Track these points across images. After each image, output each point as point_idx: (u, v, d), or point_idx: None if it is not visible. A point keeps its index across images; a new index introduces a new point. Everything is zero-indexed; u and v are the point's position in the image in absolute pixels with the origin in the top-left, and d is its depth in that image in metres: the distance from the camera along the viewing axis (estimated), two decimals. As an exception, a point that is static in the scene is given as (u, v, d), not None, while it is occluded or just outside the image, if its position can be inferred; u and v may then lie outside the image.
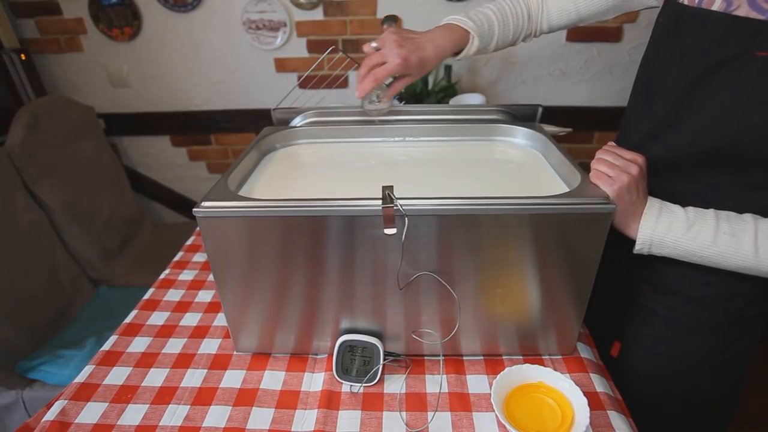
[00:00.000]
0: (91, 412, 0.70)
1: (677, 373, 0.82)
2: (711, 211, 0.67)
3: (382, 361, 0.73)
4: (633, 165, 0.66)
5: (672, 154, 0.73)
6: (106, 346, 0.84)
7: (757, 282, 0.71)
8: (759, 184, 0.67)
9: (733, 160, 0.67)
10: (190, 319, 0.90)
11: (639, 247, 0.69)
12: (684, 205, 0.70)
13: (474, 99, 1.54)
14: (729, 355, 0.80)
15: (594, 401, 0.69)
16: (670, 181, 0.72)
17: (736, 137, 0.65)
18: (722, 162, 0.68)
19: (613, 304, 0.89)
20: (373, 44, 0.83)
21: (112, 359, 0.80)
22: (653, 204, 0.68)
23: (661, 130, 0.74)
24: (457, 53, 0.89)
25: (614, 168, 0.66)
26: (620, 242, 0.87)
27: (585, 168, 0.72)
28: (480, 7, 0.90)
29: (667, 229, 0.66)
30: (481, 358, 0.78)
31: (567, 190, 0.70)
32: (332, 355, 0.74)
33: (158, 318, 0.90)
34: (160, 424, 0.68)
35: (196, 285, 1.00)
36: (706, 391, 0.84)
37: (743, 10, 0.62)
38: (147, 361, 0.80)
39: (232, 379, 0.76)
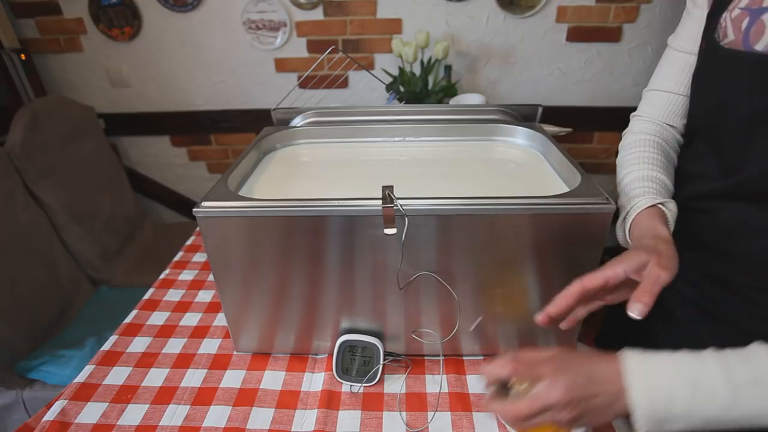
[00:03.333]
0: (91, 412, 0.70)
1: None
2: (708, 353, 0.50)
3: (382, 361, 0.73)
4: (550, 410, 0.50)
5: (739, 192, 0.67)
6: (106, 346, 0.84)
7: None
8: None
9: None
10: (190, 319, 0.90)
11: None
12: (753, 238, 0.65)
13: (474, 99, 1.54)
14: None
15: (594, 401, 0.69)
16: (735, 206, 0.68)
17: None
18: None
19: (660, 320, 0.83)
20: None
21: (112, 359, 0.80)
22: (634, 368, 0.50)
23: (728, 170, 0.68)
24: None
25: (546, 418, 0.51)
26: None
27: (585, 168, 0.72)
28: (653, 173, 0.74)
29: (668, 400, 0.48)
30: (481, 358, 0.78)
31: (567, 190, 0.70)
32: (332, 355, 0.74)
33: (158, 318, 0.90)
34: (160, 424, 0.68)
35: (196, 285, 1.00)
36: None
37: None
38: (147, 361, 0.80)
39: (232, 379, 0.76)
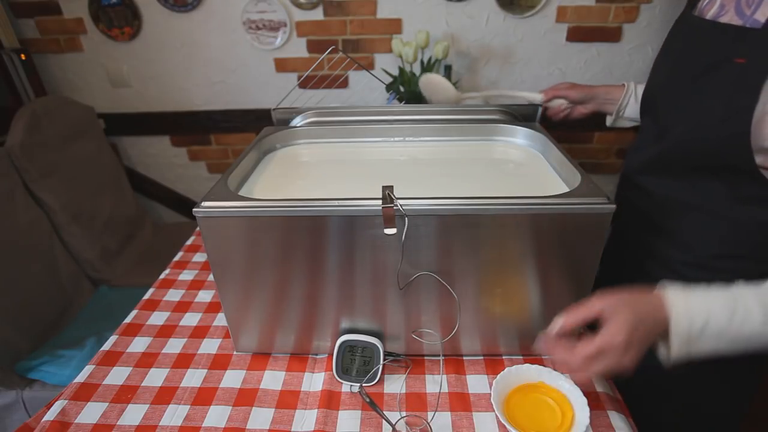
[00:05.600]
0: (91, 412, 0.70)
1: (673, 382, 0.81)
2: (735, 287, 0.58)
3: (382, 361, 0.73)
4: (592, 359, 0.56)
5: (666, 158, 0.73)
6: (106, 346, 0.84)
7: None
8: (751, 197, 0.65)
9: (721, 169, 0.66)
10: (190, 319, 0.90)
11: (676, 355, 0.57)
12: (681, 214, 0.70)
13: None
14: (738, 372, 0.78)
15: (594, 401, 0.69)
16: (666, 182, 0.73)
17: (718, 147, 0.64)
18: (711, 170, 0.68)
19: None
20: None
21: (112, 359, 0.80)
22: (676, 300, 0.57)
23: (661, 134, 0.74)
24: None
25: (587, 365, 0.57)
26: (622, 245, 0.87)
27: (585, 168, 0.73)
28: None
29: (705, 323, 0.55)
30: (481, 358, 0.78)
31: (567, 190, 0.70)
32: (332, 355, 0.74)
33: (158, 318, 0.90)
34: (160, 424, 0.68)
35: (196, 285, 1.00)
36: (705, 404, 0.83)
37: (728, 17, 0.63)
38: (147, 361, 0.80)
39: (232, 379, 0.76)
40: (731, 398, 0.84)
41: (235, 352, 0.81)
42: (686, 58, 0.69)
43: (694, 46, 0.68)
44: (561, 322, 0.60)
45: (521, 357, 0.78)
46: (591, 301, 0.59)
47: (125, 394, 0.73)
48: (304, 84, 1.64)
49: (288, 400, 0.72)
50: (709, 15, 0.67)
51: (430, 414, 0.68)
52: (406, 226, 0.62)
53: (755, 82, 0.58)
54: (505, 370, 0.69)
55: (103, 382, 0.76)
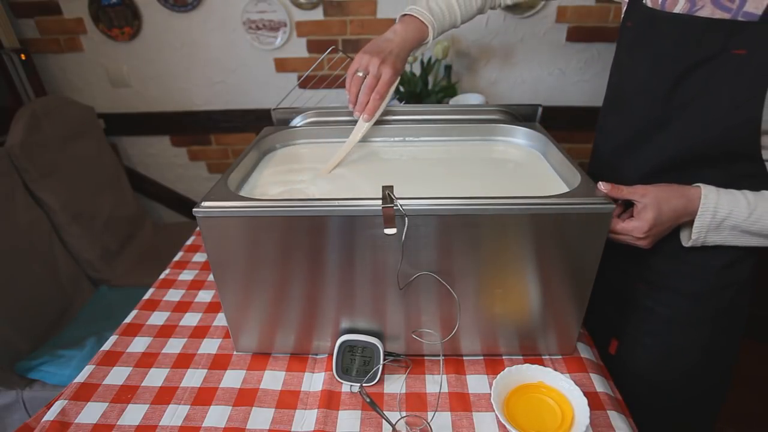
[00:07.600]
0: (91, 412, 0.70)
1: (670, 365, 0.84)
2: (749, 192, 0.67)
3: (382, 361, 0.73)
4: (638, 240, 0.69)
5: (663, 152, 0.74)
6: (106, 346, 0.84)
7: (746, 269, 0.75)
8: (743, 174, 0.69)
9: (720, 155, 0.69)
10: (190, 319, 0.90)
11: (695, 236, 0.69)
12: None
13: (474, 99, 1.54)
14: (719, 344, 0.82)
15: (594, 401, 0.69)
16: (659, 178, 0.73)
17: (725, 134, 0.67)
18: (710, 157, 0.70)
19: (609, 303, 0.89)
20: (359, 73, 0.83)
21: (112, 359, 0.80)
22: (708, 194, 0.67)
23: (650, 130, 0.75)
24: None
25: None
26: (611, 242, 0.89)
27: (585, 168, 0.73)
28: None
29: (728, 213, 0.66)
30: (481, 358, 0.78)
31: (567, 190, 0.70)
32: (332, 355, 0.74)
33: (158, 318, 0.90)
34: (160, 424, 0.68)
35: (196, 285, 1.00)
36: (697, 381, 0.85)
37: (707, 10, 0.64)
38: (147, 361, 0.80)
39: (232, 379, 0.76)
40: (716, 379, 0.86)
41: (235, 352, 0.81)
42: (671, 52, 0.69)
43: (674, 41, 0.69)
44: (608, 188, 0.66)
45: (521, 357, 0.78)
46: (637, 187, 0.68)
47: (125, 394, 0.73)
48: (304, 84, 1.64)
49: (288, 400, 0.72)
50: (678, 9, 0.68)
51: (430, 414, 0.68)
52: (406, 226, 0.62)
53: (764, 70, 0.61)
54: (505, 370, 0.69)
55: (103, 382, 0.76)
